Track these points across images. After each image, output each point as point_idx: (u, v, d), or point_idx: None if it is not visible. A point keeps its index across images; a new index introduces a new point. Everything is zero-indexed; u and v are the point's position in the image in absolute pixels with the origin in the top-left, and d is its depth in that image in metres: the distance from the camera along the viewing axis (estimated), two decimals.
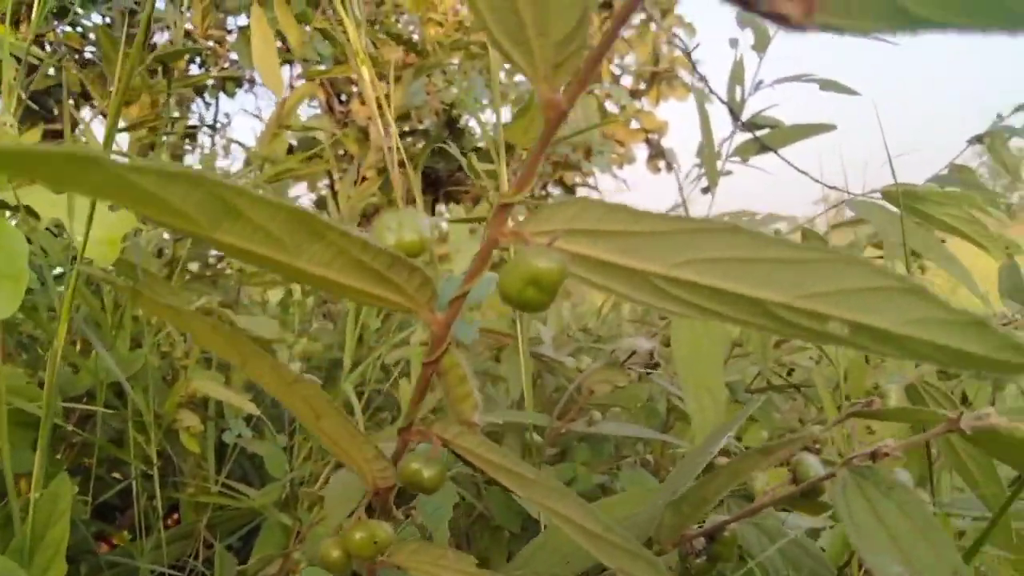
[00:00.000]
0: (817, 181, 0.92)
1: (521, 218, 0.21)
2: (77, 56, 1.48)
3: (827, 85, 0.86)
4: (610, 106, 2.72)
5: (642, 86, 3.24)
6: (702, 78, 0.84)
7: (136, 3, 1.68)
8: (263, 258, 0.18)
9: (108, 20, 1.61)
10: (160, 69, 0.88)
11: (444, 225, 1.18)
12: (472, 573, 0.26)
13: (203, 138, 1.66)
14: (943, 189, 0.55)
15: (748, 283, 0.18)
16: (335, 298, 1.19)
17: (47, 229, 0.62)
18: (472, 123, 1.73)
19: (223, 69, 1.57)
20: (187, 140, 1.60)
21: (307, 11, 0.96)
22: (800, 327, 0.18)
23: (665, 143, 2.76)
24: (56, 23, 1.43)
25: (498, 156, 0.53)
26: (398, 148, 0.75)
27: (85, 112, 1.39)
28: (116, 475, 0.85)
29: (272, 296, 1.30)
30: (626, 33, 2.55)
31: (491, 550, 0.64)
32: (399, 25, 2.04)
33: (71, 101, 1.53)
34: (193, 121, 1.56)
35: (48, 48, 1.44)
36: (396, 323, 1.08)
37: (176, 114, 1.25)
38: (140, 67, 0.84)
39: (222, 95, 1.61)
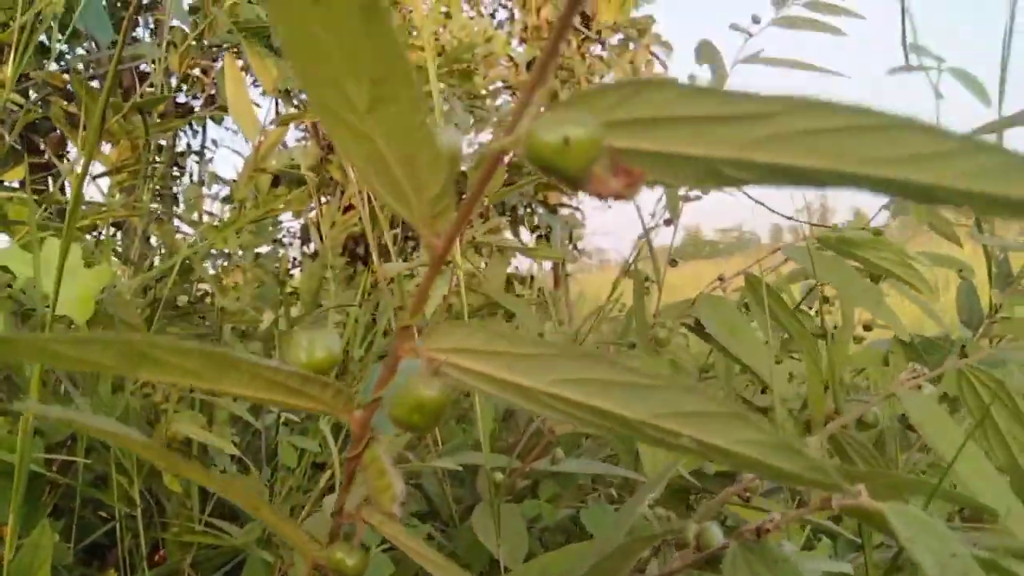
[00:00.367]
0: (773, 211, 0.95)
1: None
2: (62, 91, 1.51)
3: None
4: None
5: None
6: None
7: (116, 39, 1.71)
8: (186, 383, 0.21)
9: (92, 54, 1.63)
10: (140, 115, 0.90)
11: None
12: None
13: (190, 163, 1.68)
14: (877, 235, 0.58)
15: (610, 402, 0.20)
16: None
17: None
18: None
19: (210, 96, 1.60)
20: (175, 166, 1.62)
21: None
22: (658, 439, 0.20)
23: None
24: (43, 60, 1.45)
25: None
26: None
27: (72, 149, 1.41)
28: (103, 513, 0.87)
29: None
30: (604, 53, 2.61)
31: None
32: None
33: (57, 133, 1.56)
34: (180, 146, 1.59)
35: (32, 81, 1.47)
36: (376, 355, 1.10)
37: (163, 141, 1.27)
38: (117, 116, 0.86)
39: (209, 120, 1.64)
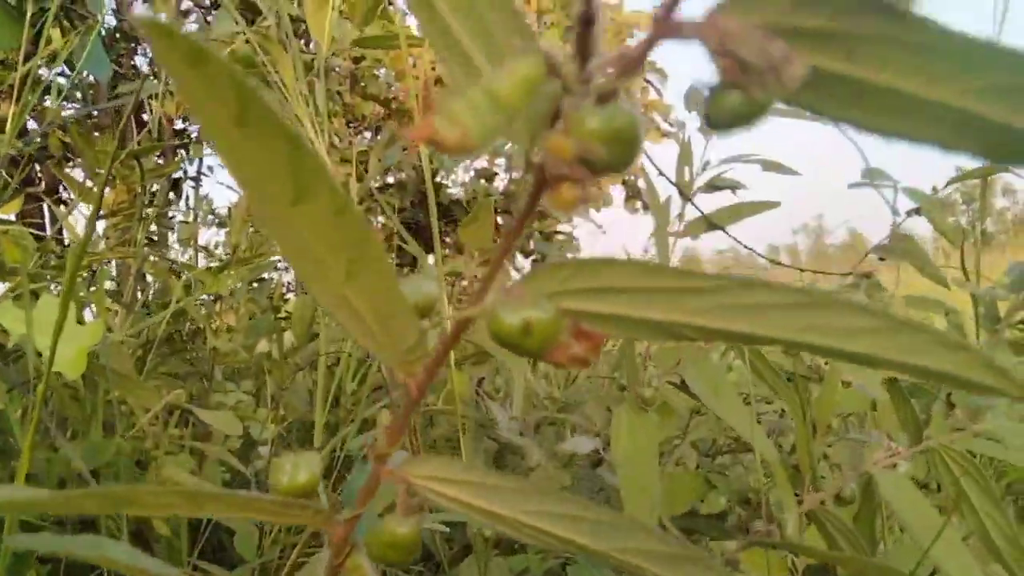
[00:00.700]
0: (762, 256, 0.96)
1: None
2: (60, 126, 1.52)
3: (768, 166, 0.90)
4: None
5: None
6: (650, 159, 0.88)
7: (118, 69, 1.73)
8: (171, 514, 0.22)
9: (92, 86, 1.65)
10: (135, 162, 0.91)
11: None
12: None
13: (186, 188, 1.69)
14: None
15: (579, 535, 0.21)
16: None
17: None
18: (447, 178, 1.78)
19: None
20: (171, 191, 1.64)
21: None
22: (624, 570, 0.21)
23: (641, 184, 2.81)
24: (45, 97, 1.47)
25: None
26: (374, 199, 0.78)
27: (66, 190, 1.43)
28: None
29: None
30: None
31: None
32: (379, 78, 2.09)
33: (54, 158, 1.57)
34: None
35: (33, 114, 1.48)
36: (369, 388, 1.11)
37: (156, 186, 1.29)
38: (112, 163, 0.87)
39: (206, 147, 1.66)
